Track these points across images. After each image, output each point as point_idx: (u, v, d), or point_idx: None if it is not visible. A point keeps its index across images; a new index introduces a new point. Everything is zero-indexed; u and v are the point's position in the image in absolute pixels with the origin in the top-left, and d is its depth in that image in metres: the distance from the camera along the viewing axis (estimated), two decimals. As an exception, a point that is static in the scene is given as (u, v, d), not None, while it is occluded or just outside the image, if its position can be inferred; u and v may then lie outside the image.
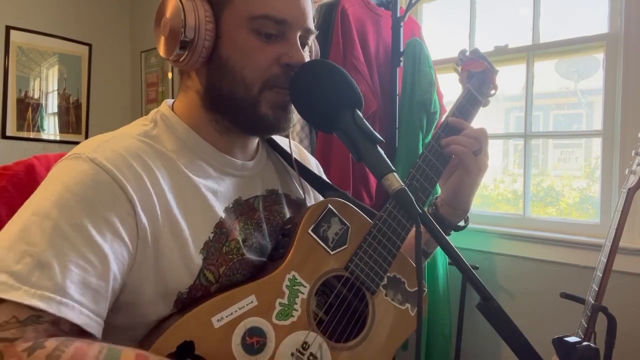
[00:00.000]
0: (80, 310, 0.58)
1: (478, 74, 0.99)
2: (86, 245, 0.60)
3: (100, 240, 0.61)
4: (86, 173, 0.64)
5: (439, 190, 0.98)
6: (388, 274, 0.80)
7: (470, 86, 0.97)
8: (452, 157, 0.90)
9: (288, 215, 0.84)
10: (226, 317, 0.65)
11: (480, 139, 0.89)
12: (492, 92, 1.01)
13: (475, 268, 2.01)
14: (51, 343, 0.54)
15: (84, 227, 0.61)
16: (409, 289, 0.83)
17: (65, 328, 0.58)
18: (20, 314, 0.55)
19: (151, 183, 0.67)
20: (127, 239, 0.64)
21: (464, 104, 0.95)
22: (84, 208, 0.62)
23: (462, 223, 0.94)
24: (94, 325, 0.60)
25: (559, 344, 0.67)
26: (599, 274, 1.29)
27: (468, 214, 0.94)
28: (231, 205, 0.76)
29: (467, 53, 1.02)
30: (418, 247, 0.62)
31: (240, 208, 0.78)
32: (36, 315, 0.56)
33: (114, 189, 0.64)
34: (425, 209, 0.94)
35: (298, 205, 0.87)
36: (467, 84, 0.98)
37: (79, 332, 0.59)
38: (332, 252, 0.76)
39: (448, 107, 2.08)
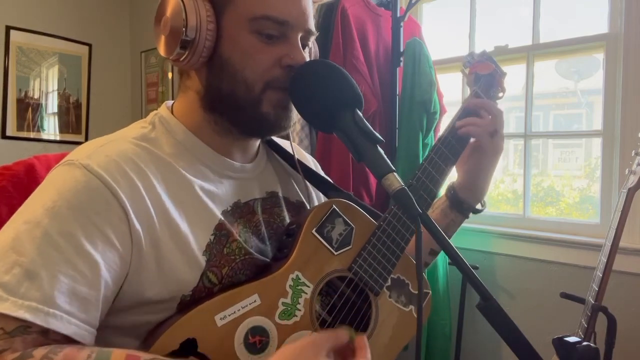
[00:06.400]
0: (69, 320, 0.58)
1: (485, 76, 0.97)
2: (76, 254, 0.60)
3: (90, 248, 0.61)
4: (78, 180, 0.64)
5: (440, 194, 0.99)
6: (392, 276, 0.80)
7: (478, 89, 0.96)
8: (466, 145, 0.90)
9: (287, 218, 0.83)
10: (229, 315, 0.65)
11: (496, 120, 0.90)
12: (500, 94, 1.00)
13: (475, 268, 2.01)
14: (39, 352, 0.54)
15: (74, 235, 0.60)
16: (412, 291, 0.83)
17: (56, 338, 0.58)
18: (7, 325, 0.55)
19: (145, 189, 0.67)
20: (119, 246, 0.63)
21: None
22: (75, 216, 0.61)
23: (479, 206, 0.96)
24: (83, 334, 0.60)
25: (559, 344, 0.68)
26: (599, 274, 1.30)
27: (485, 199, 0.96)
28: (229, 209, 0.76)
29: (475, 55, 1.00)
30: (418, 248, 0.62)
31: (239, 211, 0.77)
32: (24, 326, 0.56)
33: (106, 196, 0.63)
34: (443, 193, 0.96)
35: (297, 207, 0.87)
36: (474, 87, 0.97)
37: (70, 341, 0.59)
38: (336, 253, 0.76)
39: (448, 107, 2.09)
